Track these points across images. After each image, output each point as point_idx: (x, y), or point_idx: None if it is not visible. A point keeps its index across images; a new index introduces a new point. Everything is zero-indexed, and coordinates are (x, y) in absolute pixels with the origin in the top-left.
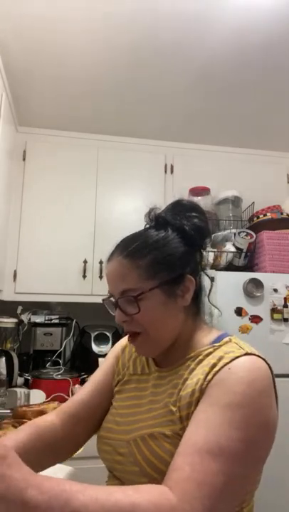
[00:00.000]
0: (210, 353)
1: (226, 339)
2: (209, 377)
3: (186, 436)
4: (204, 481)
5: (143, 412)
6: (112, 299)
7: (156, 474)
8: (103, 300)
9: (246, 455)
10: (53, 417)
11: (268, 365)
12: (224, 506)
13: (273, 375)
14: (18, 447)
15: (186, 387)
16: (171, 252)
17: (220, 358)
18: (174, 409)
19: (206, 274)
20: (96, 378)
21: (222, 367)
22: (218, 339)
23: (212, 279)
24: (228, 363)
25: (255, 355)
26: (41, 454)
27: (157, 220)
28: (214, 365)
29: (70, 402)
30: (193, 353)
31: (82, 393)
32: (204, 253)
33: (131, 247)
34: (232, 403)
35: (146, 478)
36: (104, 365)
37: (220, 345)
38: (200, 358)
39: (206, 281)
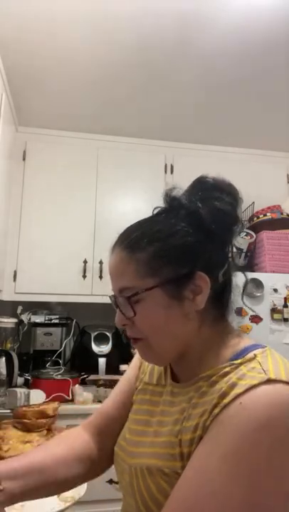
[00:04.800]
0: (226, 374)
1: (251, 355)
2: (216, 410)
3: (179, 486)
4: None
5: (150, 433)
6: (113, 297)
7: None
8: (110, 297)
9: None
10: (81, 431)
11: None
12: None
13: None
14: (48, 463)
15: (190, 417)
16: (177, 243)
17: (232, 386)
18: (175, 441)
19: (242, 271)
20: (119, 386)
21: (233, 399)
22: (242, 353)
23: (246, 278)
24: (240, 395)
25: (283, 381)
26: (74, 471)
27: (172, 203)
28: (224, 395)
29: (97, 414)
30: (208, 370)
31: (105, 403)
32: (235, 243)
33: (131, 237)
34: (239, 453)
35: None
36: (128, 371)
37: (239, 364)
38: (213, 378)
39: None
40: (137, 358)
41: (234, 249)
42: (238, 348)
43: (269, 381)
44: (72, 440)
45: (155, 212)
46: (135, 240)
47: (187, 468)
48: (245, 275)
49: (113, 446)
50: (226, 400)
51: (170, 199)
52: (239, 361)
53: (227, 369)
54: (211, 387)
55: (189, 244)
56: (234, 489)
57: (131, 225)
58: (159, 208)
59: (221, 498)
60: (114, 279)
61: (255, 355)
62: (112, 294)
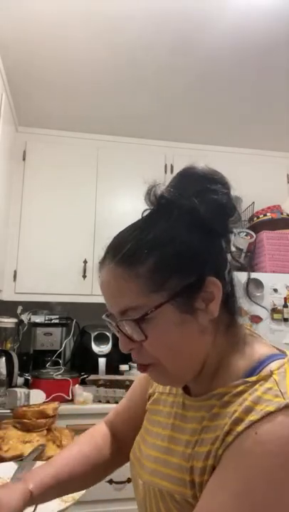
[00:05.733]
0: (240, 394)
1: (267, 371)
2: (229, 439)
3: None
4: None
5: (162, 450)
6: (111, 319)
7: None
8: (106, 320)
9: None
10: (105, 428)
11: None
12: None
13: None
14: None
15: (202, 442)
16: (180, 248)
17: (247, 411)
18: (186, 466)
19: (242, 265)
20: (133, 387)
21: (247, 427)
22: (258, 367)
23: (248, 271)
24: (255, 423)
25: None
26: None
27: (159, 202)
28: (238, 422)
29: (114, 411)
30: (221, 388)
31: (121, 402)
32: (233, 238)
33: (124, 249)
34: (253, 491)
35: None
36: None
37: (254, 383)
38: (226, 398)
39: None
40: None
41: (232, 247)
42: (253, 359)
43: (287, 407)
44: (98, 439)
45: (144, 215)
46: (130, 252)
47: (199, 502)
48: (248, 274)
49: (126, 445)
50: (240, 428)
51: (157, 198)
52: (254, 379)
53: (241, 387)
54: (223, 408)
55: (193, 247)
56: None
57: (119, 234)
58: (148, 211)
59: None
60: (112, 300)
61: (271, 372)
62: (107, 315)
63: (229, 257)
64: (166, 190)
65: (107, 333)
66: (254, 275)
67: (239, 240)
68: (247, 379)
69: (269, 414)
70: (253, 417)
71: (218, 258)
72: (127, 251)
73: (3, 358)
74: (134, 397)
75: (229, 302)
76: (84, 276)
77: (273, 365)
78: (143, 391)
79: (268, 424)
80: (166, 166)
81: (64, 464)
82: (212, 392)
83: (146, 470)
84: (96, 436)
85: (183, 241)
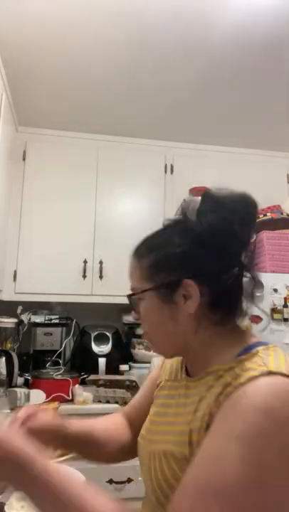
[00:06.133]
0: (231, 368)
1: (254, 351)
2: (221, 398)
3: (190, 470)
4: None
5: (167, 423)
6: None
7: (163, 497)
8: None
9: (256, 500)
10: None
11: None
12: None
13: None
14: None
15: (200, 408)
16: (172, 252)
17: (236, 377)
18: (186, 430)
19: (253, 277)
20: (145, 383)
21: (236, 388)
22: (246, 350)
23: (255, 283)
24: (243, 384)
25: (282, 374)
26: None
27: (179, 216)
28: (228, 385)
29: (129, 405)
30: (215, 366)
31: (134, 397)
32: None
33: (140, 247)
34: (242, 436)
35: (154, 497)
36: (153, 370)
37: (244, 360)
38: (220, 373)
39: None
40: (160, 359)
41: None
42: (243, 346)
43: (269, 373)
44: (117, 420)
45: (165, 223)
46: (142, 249)
47: (199, 451)
48: (253, 279)
49: (137, 437)
50: (230, 389)
51: (181, 212)
52: (244, 357)
53: (232, 364)
54: (217, 380)
55: (180, 254)
56: (241, 470)
57: (144, 236)
58: (168, 221)
59: (230, 475)
60: (129, 280)
61: (258, 351)
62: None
63: (233, 270)
64: (181, 208)
65: (107, 333)
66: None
67: None
68: (237, 358)
69: (254, 377)
70: (240, 380)
71: (205, 268)
72: (140, 248)
73: (3, 358)
74: (146, 391)
75: (219, 305)
76: (84, 276)
77: (260, 348)
78: (154, 384)
79: (253, 383)
80: (166, 166)
81: (99, 423)
82: (208, 370)
83: (152, 442)
84: (117, 421)
85: (174, 248)
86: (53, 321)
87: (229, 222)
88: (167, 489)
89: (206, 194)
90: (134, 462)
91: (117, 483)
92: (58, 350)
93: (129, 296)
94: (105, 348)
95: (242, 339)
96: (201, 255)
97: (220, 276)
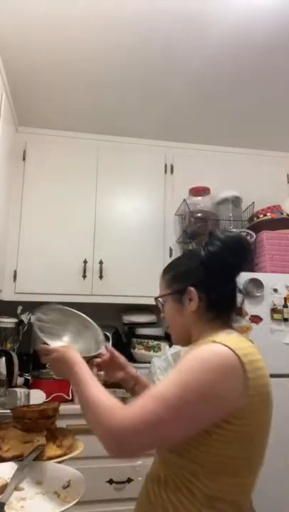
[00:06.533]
0: (198, 344)
1: (214, 335)
2: (191, 350)
3: (153, 385)
4: (141, 413)
5: None
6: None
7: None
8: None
9: (177, 408)
10: None
11: (238, 356)
12: (146, 436)
13: (242, 364)
14: None
15: None
16: (183, 269)
17: (202, 342)
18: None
19: (240, 290)
20: None
21: (200, 345)
22: (209, 337)
23: (243, 293)
24: (204, 345)
25: (222, 343)
26: None
27: (194, 247)
28: (198, 344)
29: None
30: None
31: None
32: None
33: (167, 266)
34: (181, 369)
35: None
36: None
37: (205, 339)
38: (197, 344)
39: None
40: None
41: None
42: (206, 338)
43: (213, 342)
44: None
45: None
46: (167, 268)
47: None
48: (242, 292)
49: None
50: (191, 349)
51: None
52: (203, 340)
53: (199, 343)
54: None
55: (187, 271)
56: (173, 387)
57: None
58: (186, 250)
59: (165, 388)
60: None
61: (219, 334)
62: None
63: (226, 287)
64: (206, 239)
65: (107, 333)
66: (254, 275)
67: None
68: (205, 339)
69: (203, 344)
70: (197, 346)
71: (204, 282)
72: (166, 267)
73: (3, 358)
74: None
75: (212, 309)
76: (84, 276)
77: (213, 336)
78: None
79: (202, 346)
80: (166, 165)
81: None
82: (194, 345)
83: None
84: None
85: (184, 268)
86: None
87: (223, 252)
88: None
89: (211, 233)
90: (134, 462)
91: (117, 483)
92: None
93: (156, 299)
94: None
95: (221, 331)
96: (201, 272)
97: (214, 288)
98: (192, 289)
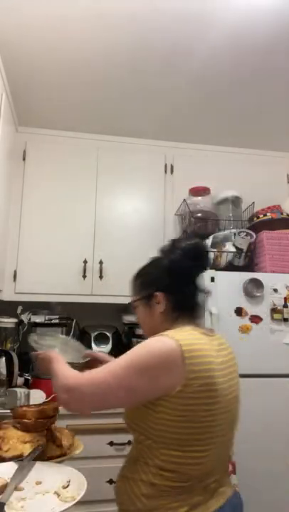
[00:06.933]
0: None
1: (165, 331)
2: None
3: None
4: (94, 377)
5: None
6: None
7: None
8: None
9: (121, 378)
10: None
11: (181, 347)
12: (95, 395)
13: (182, 353)
14: None
15: None
16: (150, 277)
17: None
18: None
19: (203, 291)
20: None
21: (150, 338)
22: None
23: (206, 293)
24: (152, 337)
25: (169, 336)
26: None
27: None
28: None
29: None
30: None
31: None
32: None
33: (136, 273)
34: (129, 352)
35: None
36: None
37: (164, 333)
38: None
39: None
40: None
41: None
42: (172, 330)
43: (161, 335)
44: None
45: (149, 259)
46: (136, 275)
47: None
48: (204, 292)
49: None
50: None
51: (160, 251)
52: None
53: None
54: None
55: (154, 279)
56: (119, 363)
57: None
58: (151, 258)
59: (113, 366)
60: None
61: (170, 331)
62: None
63: (185, 292)
64: (160, 250)
65: (107, 333)
66: (254, 275)
67: (239, 239)
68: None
69: (153, 337)
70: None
71: (170, 286)
72: (135, 274)
73: (3, 358)
74: None
75: (176, 309)
76: (84, 277)
77: (162, 333)
78: None
79: (151, 337)
80: (166, 165)
81: None
82: None
83: None
84: None
85: (151, 276)
86: (53, 321)
87: (183, 259)
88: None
89: (172, 242)
90: None
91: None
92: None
93: (130, 304)
94: (105, 348)
95: (180, 329)
96: (166, 278)
97: (177, 291)
98: (159, 293)
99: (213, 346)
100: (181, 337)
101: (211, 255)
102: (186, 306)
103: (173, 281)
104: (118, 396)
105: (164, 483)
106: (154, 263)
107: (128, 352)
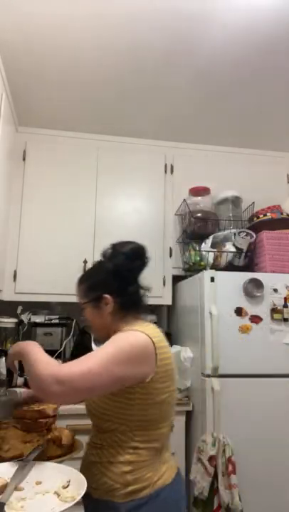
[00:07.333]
0: (121, 332)
1: (131, 326)
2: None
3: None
4: (77, 365)
5: None
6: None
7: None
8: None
9: (104, 365)
10: None
11: (152, 340)
12: (80, 382)
13: (154, 345)
14: None
15: None
16: (96, 280)
17: (123, 330)
18: None
19: (144, 288)
20: None
21: (121, 332)
22: (127, 327)
23: (147, 289)
24: (124, 331)
25: (140, 331)
26: None
27: (100, 259)
28: (120, 332)
29: None
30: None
31: None
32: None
33: (81, 277)
34: (110, 342)
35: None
36: None
37: (125, 329)
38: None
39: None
40: None
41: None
42: (131, 326)
43: (133, 330)
44: None
45: (93, 264)
46: (81, 279)
47: None
48: (144, 288)
49: None
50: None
51: (102, 255)
52: (126, 328)
53: (124, 330)
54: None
55: (100, 282)
56: (103, 351)
57: (83, 273)
58: (94, 262)
59: (99, 353)
60: (77, 296)
61: (136, 326)
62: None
63: (130, 290)
64: (105, 252)
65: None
66: (254, 275)
67: (239, 239)
68: (126, 328)
69: (127, 330)
70: (122, 331)
71: (115, 288)
72: (81, 279)
73: (3, 358)
74: None
75: (123, 308)
76: None
77: (131, 327)
78: None
79: (126, 331)
80: (166, 165)
81: None
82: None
83: None
84: None
85: (97, 279)
86: (53, 321)
87: (126, 262)
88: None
89: (112, 246)
90: None
91: None
92: (57, 350)
93: (79, 307)
94: None
95: (131, 326)
96: (111, 281)
97: (123, 291)
98: (107, 295)
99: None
100: (149, 332)
101: (211, 255)
102: (132, 304)
103: (119, 283)
104: (105, 386)
105: (139, 459)
106: (98, 267)
107: (108, 345)
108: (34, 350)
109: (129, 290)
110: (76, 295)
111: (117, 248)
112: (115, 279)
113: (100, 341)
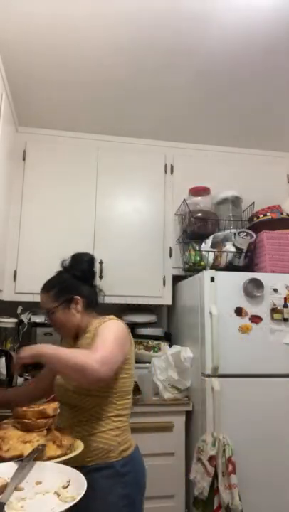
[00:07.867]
0: (95, 325)
1: (105, 319)
2: (98, 326)
3: (96, 341)
4: (104, 349)
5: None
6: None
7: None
8: (44, 313)
9: (116, 346)
10: None
11: (126, 326)
12: (112, 362)
13: (128, 330)
14: None
15: (90, 336)
16: (65, 285)
17: (99, 323)
18: (90, 342)
19: (98, 288)
20: None
21: (102, 323)
22: (103, 319)
23: (100, 290)
24: (106, 321)
25: (115, 319)
26: None
27: (62, 267)
28: (97, 326)
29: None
30: (90, 331)
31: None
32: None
33: (46, 284)
34: (106, 330)
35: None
36: None
37: (100, 321)
38: (90, 328)
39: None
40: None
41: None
42: (100, 320)
43: (111, 319)
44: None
45: (56, 272)
46: (47, 286)
47: (96, 339)
48: (100, 290)
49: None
50: (99, 325)
51: (62, 266)
52: (98, 321)
53: (96, 325)
54: (90, 331)
55: (69, 286)
56: (106, 333)
57: (48, 280)
58: (57, 271)
59: (105, 336)
60: (41, 305)
61: (106, 318)
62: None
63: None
64: (65, 263)
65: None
66: (254, 275)
67: (239, 239)
68: (100, 320)
69: (108, 319)
70: (104, 320)
71: (83, 290)
72: (46, 286)
73: (3, 358)
74: None
75: (89, 306)
76: None
77: (107, 318)
78: None
79: (108, 320)
80: (166, 165)
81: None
82: (87, 334)
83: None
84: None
85: (66, 284)
86: None
87: (87, 268)
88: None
89: (73, 257)
90: None
91: None
92: None
93: (47, 312)
94: None
95: (99, 319)
96: (77, 285)
97: (86, 292)
98: (77, 296)
99: None
100: (120, 320)
101: (211, 255)
102: (95, 302)
103: (82, 286)
104: (120, 362)
105: (123, 424)
106: (62, 275)
107: (106, 334)
108: (58, 350)
109: (91, 290)
110: (42, 303)
111: (79, 258)
112: (81, 282)
113: (68, 341)
